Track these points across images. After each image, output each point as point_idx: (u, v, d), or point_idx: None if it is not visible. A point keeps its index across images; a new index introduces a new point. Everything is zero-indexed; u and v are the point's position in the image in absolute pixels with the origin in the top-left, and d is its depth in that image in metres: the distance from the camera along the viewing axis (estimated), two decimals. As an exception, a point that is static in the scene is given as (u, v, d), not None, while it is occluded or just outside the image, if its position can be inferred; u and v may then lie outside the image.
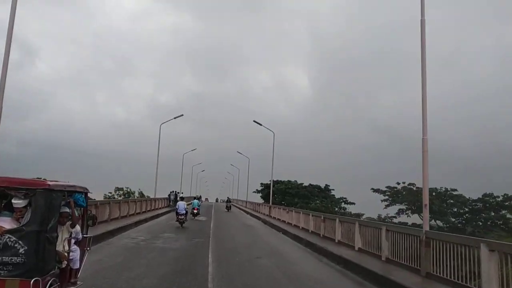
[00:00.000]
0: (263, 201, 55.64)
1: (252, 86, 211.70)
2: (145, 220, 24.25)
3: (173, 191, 43.40)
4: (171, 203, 42.21)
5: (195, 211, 29.06)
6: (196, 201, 31.40)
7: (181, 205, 22.77)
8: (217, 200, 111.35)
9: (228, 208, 45.72)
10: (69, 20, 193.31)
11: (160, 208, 36.88)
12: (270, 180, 42.94)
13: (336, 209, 56.13)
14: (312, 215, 20.67)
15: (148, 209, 31.58)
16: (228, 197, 56.08)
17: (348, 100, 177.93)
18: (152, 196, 37.50)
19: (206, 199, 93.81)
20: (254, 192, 66.36)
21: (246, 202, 55.63)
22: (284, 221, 27.04)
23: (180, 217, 22.16)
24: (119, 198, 49.99)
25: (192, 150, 61.03)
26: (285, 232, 21.72)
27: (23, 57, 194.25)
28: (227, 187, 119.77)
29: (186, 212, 23.12)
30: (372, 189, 55.59)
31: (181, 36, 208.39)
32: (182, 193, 50.84)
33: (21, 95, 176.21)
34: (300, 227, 22.38)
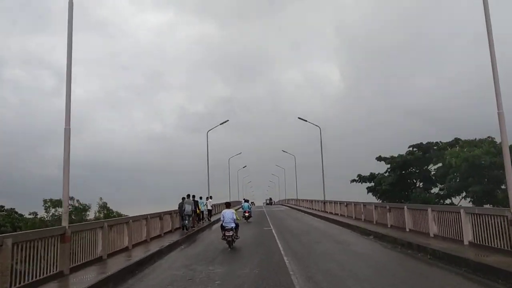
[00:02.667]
0: (377, 199, 33.72)
1: (284, 86, 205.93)
2: None
3: (188, 196, 21.68)
4: (187, 221, 20.93)
5: (247, 214, 27.66)
6: (246, 203, 29.25)
7: (228, 214, 14.06)
8: (270, 202, 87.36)
9: None
10: (99, 43, 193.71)
11: (143, 242, 15.27)
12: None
13: None
14: None
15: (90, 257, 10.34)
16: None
17: (381, 87, 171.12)
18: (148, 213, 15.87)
19: (252, 202, 72.69)
20: (354, 181, 39.62)
21: (325, 203, 32.93)
22: None
23: (227, 233, 13.62)
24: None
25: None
26: None
27: (60, 84, 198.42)
28: (275, 187, 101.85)
29: (237, 225, 14.19)
30: None
31: (207, 44, 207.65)
32: (211, 197, 29.51)
33: (60, 120, 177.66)
34: None
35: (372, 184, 37.32)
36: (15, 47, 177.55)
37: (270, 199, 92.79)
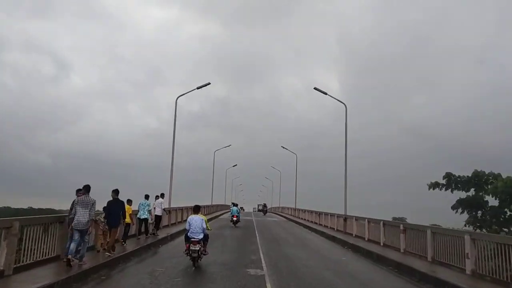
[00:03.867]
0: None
1: (282, 92, 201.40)
2: None
3: (86, 189, 9.76)
4: (77, 244, 8.98)
5: (235, 218, 26.69)
6: (235, 208, 28.25)
7: (196, 222, 10.66)
8: (263, 209, 60.22)
9: None
10: (100, 34, 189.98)
11: None
12: None
13: None
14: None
15: None
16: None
17: (379, 100, 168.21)
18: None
19: (242, 208, 60.38)
20: (437, 186, 22.64)
21: (346, 219, 20.94)
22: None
23: (193, 246, 10.22)
24: None
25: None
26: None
27: (58, 71, 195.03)
28: (267, 192, 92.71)
29: (206, 237, 10.84)
30: None
31: (209, 44, 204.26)
32: (161, 195, 17.74)
33: (55, 108, 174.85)
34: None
35: (471, 192, 20.89)
36: (17, 31, 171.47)
37: (264, 205, 62.93)
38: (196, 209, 11.32)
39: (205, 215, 35.14)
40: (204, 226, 10.74)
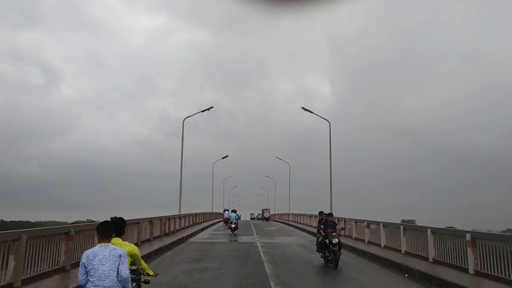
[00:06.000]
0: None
1: (274, 97, 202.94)
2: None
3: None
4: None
5: (233, 225, 26.64)
6: (233, 214, 28.07)
7: (102, 262, 3.98)
8: (264, 217, 65.36)
9: None
10: (90, 43, 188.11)
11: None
12: None
13: None
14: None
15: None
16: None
17: (371, 104, 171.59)
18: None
19: (239, 215, 58.41)
20: None
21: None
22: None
23: None
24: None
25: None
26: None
27: (48, 82, 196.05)
28: (268, 196, 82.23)
29: None
30: None
31: (199, 51, 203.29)
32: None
33: (46, 117, 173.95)
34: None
35: None
36: (4, 42, 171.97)
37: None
38: (106, 232, 4.39)
39: (146, 241, 15.72)
40: (124, 273, 4.17)
